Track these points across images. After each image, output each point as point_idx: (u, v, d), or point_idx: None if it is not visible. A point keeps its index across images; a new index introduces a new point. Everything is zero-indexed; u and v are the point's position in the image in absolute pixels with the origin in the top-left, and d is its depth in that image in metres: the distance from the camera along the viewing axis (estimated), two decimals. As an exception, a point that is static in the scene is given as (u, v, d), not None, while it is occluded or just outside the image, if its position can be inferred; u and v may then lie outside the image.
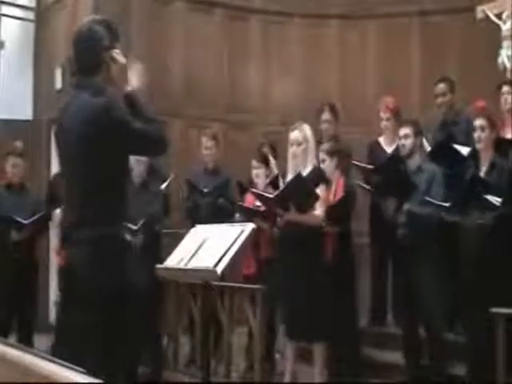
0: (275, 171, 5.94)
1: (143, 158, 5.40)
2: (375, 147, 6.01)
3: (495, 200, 4.40)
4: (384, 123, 5.96)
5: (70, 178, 3.05)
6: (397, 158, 5.30)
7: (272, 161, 6.02)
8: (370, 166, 5.52)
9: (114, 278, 2.88)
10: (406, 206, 4.84)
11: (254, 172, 5.77)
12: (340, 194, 5.24)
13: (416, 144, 5.07)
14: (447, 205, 4.65)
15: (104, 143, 2.89)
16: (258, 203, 5.50)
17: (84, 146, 2.90)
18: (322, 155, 5.31)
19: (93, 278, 2.85)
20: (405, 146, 5.07)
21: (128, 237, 5.08)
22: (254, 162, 5.78)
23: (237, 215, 5.62)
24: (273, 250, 5.41)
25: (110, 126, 2.89)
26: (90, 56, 3.03)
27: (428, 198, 4.75)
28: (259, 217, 5.30)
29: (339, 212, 5.12)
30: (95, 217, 2.89)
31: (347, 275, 5.29)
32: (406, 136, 5.07)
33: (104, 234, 2.87)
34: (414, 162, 5.06)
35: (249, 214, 5.43)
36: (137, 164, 5.39)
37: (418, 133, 5.11)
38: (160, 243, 5.50)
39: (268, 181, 5.47)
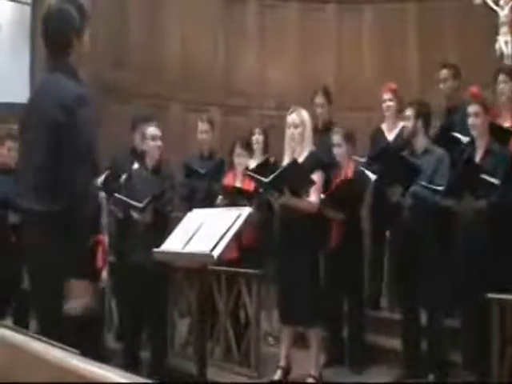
0: (260, 155, 5.95)
1: (158, 143, 5.38)
2: (377, 134, 6.00)
3: (492, 180, 4.38)
4: (387, 104, 5.93)
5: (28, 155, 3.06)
6: (392, 149, 5.29)
7: (256, 146, 6.04)
8: (362, 159, 5.54)
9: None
10: (412, 188, 4.81)
11: (237, 160, 5.73)
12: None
13: (417, 125, 4.97)
14: (441, 189, 4.62)
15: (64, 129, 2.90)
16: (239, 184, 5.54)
17: (51, 128, 2.91)
18: (337, 139, 5.30)
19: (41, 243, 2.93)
20: (406, 127, 5.00)
21: (134, 214, 5.15)
22: (238, 149, 5.74)
23: (219, 197, 5.60)
24: (255, 239, 5.43)
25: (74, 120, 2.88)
26: (60, 36, 3.02)
27: (423, 183, 4.72)
28: (244, 196, 5.31)
29: (340, 196, 5.06)
30: (45, 194, 2.93)
31: (352, 262, 5.28)
32: (408, 117, 4.98)
33: (51, 210, 2.89)
34: (419, 144, 4.97)
35: (232, 195, 5.43)
36: (151, 149, 5.39)
37: (422, 114, 4.98)
38: (170, 224, 5.43)
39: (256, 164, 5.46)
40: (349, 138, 5.33)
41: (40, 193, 2.95)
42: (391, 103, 5.92)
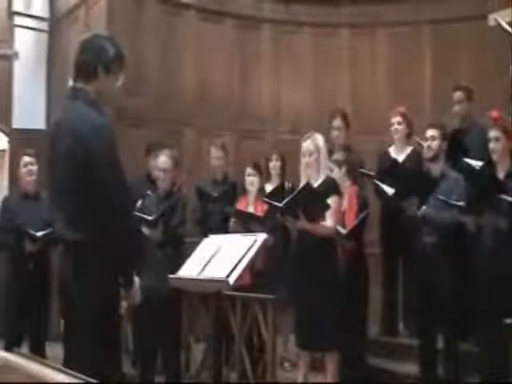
0: (277, 181, 5.96)
1: (160, 175, 5.40)
2: (384, 157, 5.98)
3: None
4: (395, 127, 5.91)
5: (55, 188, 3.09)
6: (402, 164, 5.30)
7: (273, 172, 6.05)
8: (373, 173, 5.55)
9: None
10: (423, 211, 4.80)
11: (249, 179, 5.78)
12: (353, 205, 5.23)
13: (442, 147, 5.01)
14: (461, 204, 4.59)
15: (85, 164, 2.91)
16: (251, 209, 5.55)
17: (71, 158, 2.93)
18: (330, 164, 5.31)
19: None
20: (430, 147, 5.00)
21: (145, 230, 5.16)
22: (249, 170, 5.80)
23: (232, 220, 5.59)
24: (267, 263, 5.42)
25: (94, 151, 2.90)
26: (86, 64, 3.06)
27: (442, 197, 4.70)
28: (255, 221, 5.32)
29: (361, 231, 5.20)
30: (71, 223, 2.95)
31: (360, 285, 5.27)
32: (432, 138, 5.00)
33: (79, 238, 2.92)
34: (438, 167, 5.01)
35: (244, 219, 5.44)
36: (162, 174, 5.41)
37: (445, 136, 5.04)
38: (182, 247, 5.42)
39: (270, 189, 5.48)
40: (341, 163, 5.31)
41: (67, 221, 2.97)
42: (400, 127, 5.91)
